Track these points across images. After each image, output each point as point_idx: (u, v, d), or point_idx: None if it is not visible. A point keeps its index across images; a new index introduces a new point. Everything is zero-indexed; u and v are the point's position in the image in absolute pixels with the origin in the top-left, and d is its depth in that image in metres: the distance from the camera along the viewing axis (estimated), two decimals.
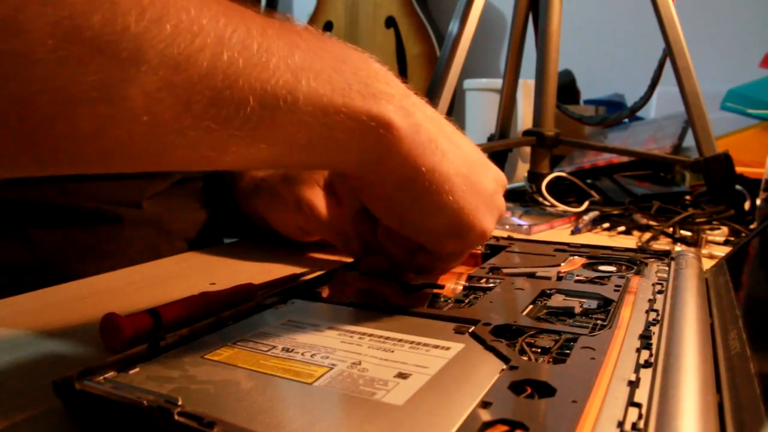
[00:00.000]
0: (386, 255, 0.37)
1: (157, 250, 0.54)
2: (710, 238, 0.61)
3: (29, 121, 0.19)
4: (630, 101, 1.21)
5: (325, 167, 0.38)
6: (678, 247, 0.58)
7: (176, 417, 0.20)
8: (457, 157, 0.31)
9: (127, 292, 0.42)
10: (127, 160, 0.23)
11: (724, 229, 0.64)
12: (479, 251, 0.48)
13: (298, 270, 0.44)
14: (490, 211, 0.34)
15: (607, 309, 0.32)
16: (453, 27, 0.72)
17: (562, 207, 0.75)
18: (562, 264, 0.42)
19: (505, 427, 0.19)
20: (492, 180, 0.34)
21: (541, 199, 0.78)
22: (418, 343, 0.27)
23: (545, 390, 0.22)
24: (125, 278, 0.45)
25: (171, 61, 0.21)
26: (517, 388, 0.22)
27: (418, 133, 0.29)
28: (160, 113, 0.21)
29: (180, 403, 0.21)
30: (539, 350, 0.27)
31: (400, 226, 0.33)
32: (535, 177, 0.83)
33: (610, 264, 0.42)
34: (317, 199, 0.50)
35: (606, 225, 0.69)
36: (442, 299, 0.36)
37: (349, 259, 0.44)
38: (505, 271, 0.40)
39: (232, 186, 0.60)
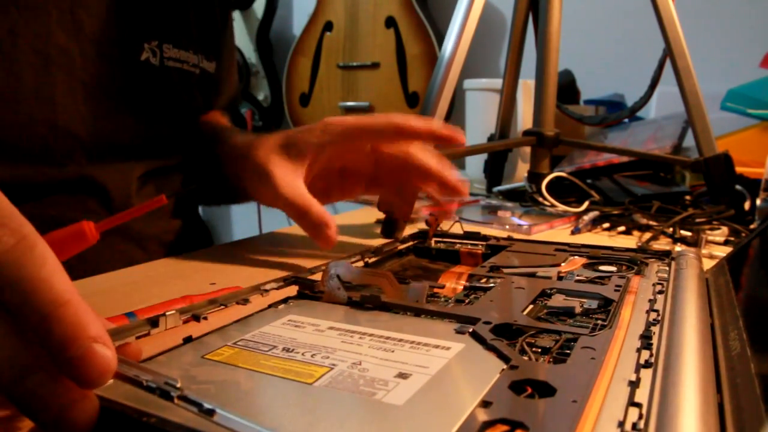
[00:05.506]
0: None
1: (128, 255, 0.53)
2: (710, 238, 0.61)
3: None
4: (630, 101, 1.21)
5: None
6: (678, 247, 0.58)
7: (176, 401, 0.20)
8: None
9: (126, 292, 0.42)
10: None
11: (724, 229, 0.64)
12: (479, 251, 0.48)
13: (298, 270, 0.44)
14: None
15: (607, 309, 0.32)
16: (453, 27, 0.72)
17: (562, 207, 0.75)
18: (563, 264, 0.42)
19: (505, 427, 0.19)
20: None
21: (541, 199, 0.78)
22: (419, 343, 0.27)
23: (545, 390, 0.22)
24: (123, 279, 0.45)
25: None
26: (517, 387, 0.22)
27: None
28: None
29: (179, 386, 0.20)
30: (539, 350, 0.27)
31: None
32: (535, 177, 0.83)
33: (610, 264, 0.42)
34: (277, 168, 0.48)
35: (606, 225, 0.69)
36: (443, 299, 0.36)
37: (346, 255, 0.44)
38: (505, 270, 0.40)
39: (214, 146, 0.59)
